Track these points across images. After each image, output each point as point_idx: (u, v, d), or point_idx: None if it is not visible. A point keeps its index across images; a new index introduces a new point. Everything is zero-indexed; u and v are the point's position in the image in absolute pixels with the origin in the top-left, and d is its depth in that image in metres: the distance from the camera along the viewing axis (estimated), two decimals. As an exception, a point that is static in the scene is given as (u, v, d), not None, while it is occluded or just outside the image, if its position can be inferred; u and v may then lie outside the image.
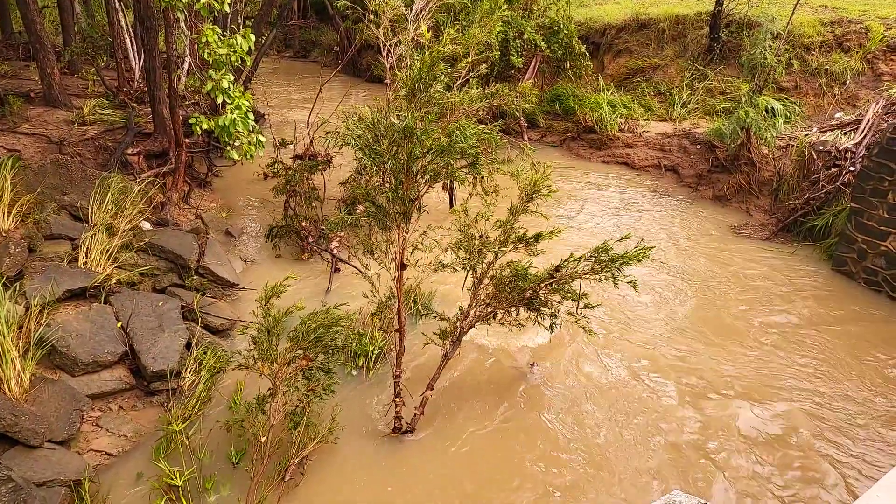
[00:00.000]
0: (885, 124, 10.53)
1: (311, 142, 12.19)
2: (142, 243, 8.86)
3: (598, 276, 6.63)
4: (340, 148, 7.98)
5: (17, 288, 7.13)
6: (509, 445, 6.72)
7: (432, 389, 6.80)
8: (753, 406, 7.35)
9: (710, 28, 16.69)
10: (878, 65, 13.99)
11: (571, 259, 6.72)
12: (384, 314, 8.05)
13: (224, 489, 6.02)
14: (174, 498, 5.80)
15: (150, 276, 8.58)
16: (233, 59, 8.42)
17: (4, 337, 6.15)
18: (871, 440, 6.87)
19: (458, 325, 6.90)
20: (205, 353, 7.45)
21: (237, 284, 9.38)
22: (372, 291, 7.14)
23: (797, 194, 12.17)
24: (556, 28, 17.16)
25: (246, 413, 6.30)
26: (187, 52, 14.29)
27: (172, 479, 5.86)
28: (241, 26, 9.25)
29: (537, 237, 6.61)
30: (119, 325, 7.35)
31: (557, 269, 6.78)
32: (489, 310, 6.93)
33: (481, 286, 6.83)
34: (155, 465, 6.14)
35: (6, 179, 8.48)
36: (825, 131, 12.64)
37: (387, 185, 6.70)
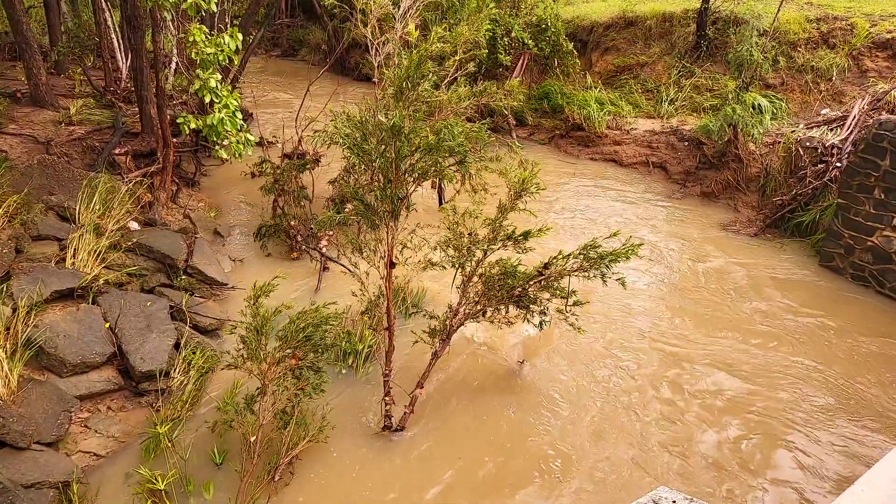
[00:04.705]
0: (871, 120, 10.61)
1: (300, 140, 12.17)
2: (130, 243, 8.81)
3: (586, 274, 6.66)
4: (328, 147, 7.98)
5: (4, 289, 7.09)
6: (499, 442, 6.74)
7: (422, 388, 6.82)
8: (743, 399, 7.41)
9: (697, 25, 16.76)
10: (864, 61, 14.08)
11: (560, 256, 6.74)
12: (373, 312, 8.05)
13: (210, 490, 6.00)
14: (157, 501, 5.77)
15: (138, 277, 8.54)
16: (220, 58, 8.40)
17: (-9, 338, 6.12)
18: (856, 431, 6.94)
19: (447, 323, 6.91)
20: (193, 353, 7.43)
21: (226, 284, 9.35)
22: (361, 290, 7.14)
23: (784, 190, 12.24)
24: (543, 26, 17.18)
25: (235, 413, 6.30)
26: (175, 51, 14.22)
27: (154, 482, 5.83)
28: (228, 25, 9.22)
29: (526, 235, 6.62)
30: (107, 325, 7.31)
31: (546, 266, 6.80)
32: (478, 308, 6.94)
33: (470, 284, 6.84)
34: (143, 466, 6.11)
35: (-8, 180, 8.44)
36: (812, 127, 12.73)
37: (375, 183, 6.70)
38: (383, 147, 6.01)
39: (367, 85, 20.72)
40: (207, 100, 8.53)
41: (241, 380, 7.14)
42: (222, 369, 7.25)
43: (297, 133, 12.29)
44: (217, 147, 8.98)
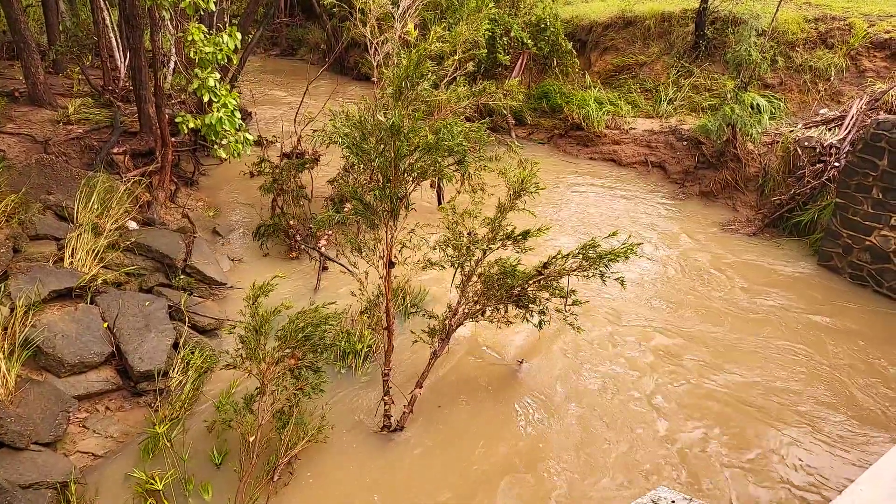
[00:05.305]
0: (869, 120, 10.61)
1: (299, 140, 12.16)
2: (128, 243, 8.80)
3: (586, 273, 6.65)
4: (328, 146, 7.97)
5: (2, 289, 7.07)
6: (499, 442, 6.73)
7: (421, 387, 6.81)
8: (741, 397, 7.41)
9: (696, 25, 16.77)
10: (862, 61, 14.10)
11: (559, 256, 6.74)
12: (373, 312, 8.05)
13: (209, 491, 5.99)
14: (156, 501, 5.76)
15: (136, 276, 8.53)
16: (219, 57, 8.38)
17: (-11, 338, 6.11)
18: (852, 429, 6.94)
19: (446, 322, 6.90)
20: (192, 352, 7.42)
21: (225, 284, 9.34)
22: (360, 289, 7.13)
23: (783, 190, 12.25)
24: (542, 26, 17.19)
25: (234, 413, 6.29)
26: (173, 50, 14.21)
27: (153, 482, 5.82)
28: (227, 24, 9.21)
29: (525, 234, 6.62)
30: (105, 325, 7.30)
31: (545, 266, 6.80)
32: (478, 307, 6.94)
33: (470, 283, 6.84)
34: (141, 467, 6.10)
35: (-10, 180, 8.42)
36: (810, 127, 12.74)
37: (374, 182, 6.69)
38: (382, 146, 6.01)
39: (366, 84, 20.73)
40: (206, 99, 8.51)
41: (238, 380, 7.13)
42: (221, 369, 7.24)
43: (295, 132, 12.28)
44: (216, 146, 8.97)
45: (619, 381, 7.72)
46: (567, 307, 6.90)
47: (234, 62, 8.92)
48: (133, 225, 9.55)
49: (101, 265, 8.19)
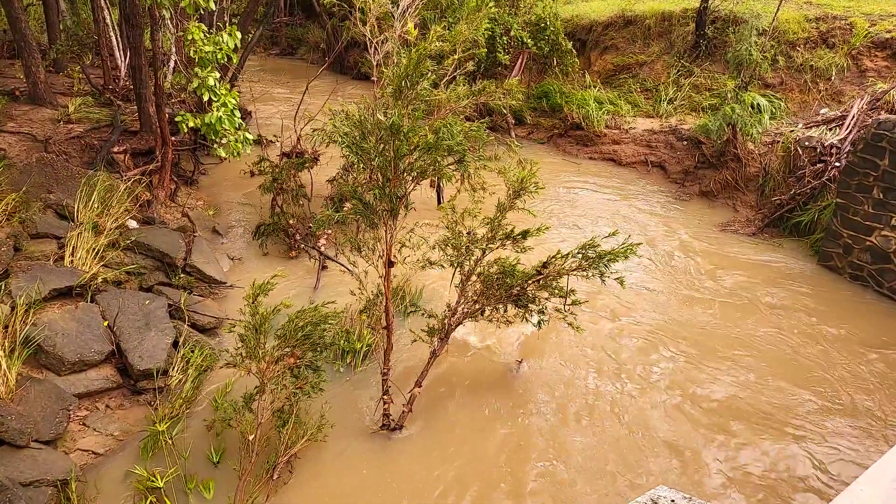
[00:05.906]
0: (870, 120, 10.61)
1: (298, 139, 12.16)
2: (128, 242, 8.81)
3: (585, 273, 6.66)
4: (327, 145, 7.97)
5: (3, 287, 7.09)
6: (497, 441, 6.74)
7: (420, 386, 6.82)
8: (740, 398, 7.42)
9: (696, 24, 16.75)
10: (863, 61, 14.08)
11: (559, 256, 6.75)
12: (372, 311, 8.06)
13: (210, 489, 6.00)
14: (156, 500, 5.77)
15: (136, 275, 8.54)
16: (219, 56, 8.40)
17: (-10, 337, 6.12)
18: (850, 432, 6.95)
19: (445, 322, 6.91)
20: (192, 351, 7.43)
21: (224, 282, 9.35)
22: (360, 289, 7.14)
23: (783, 190, 12.24)
24: (542, 25, 17.17)
25: (233, 411, 6.30)
26: (173, 49, 14.21)
27: (154, 480, 5.84)
28: (227, 24, 9.21)
29: (525, 234, 6.63)
30: (105, 323, 7.31)
31: (545, 265, 6.80)
32: (477, 307, 6.94)
33: (469, 283, 6.84)
34: (141, 465, 6.12)
35: (-9, 178, 8.44)
36: (810, 127, 12.73)
37: (374, 182, 6.70)
38: (382, 146, 6.01)
39: (366, 84, 20.73)
40: (206, 98, 8.53)
41: (235, 380, 7.13)
42: (221, 368, 7.25)
43: (295, 131, 12.29)
44: (215, 145, 8.98)
45: (618, 379, 7.72)
46: (566, 307, 6.90)
47: (234, 61, 8.94)
48: (133, 224, 9.56)
49: (102, 264, 8.21)
